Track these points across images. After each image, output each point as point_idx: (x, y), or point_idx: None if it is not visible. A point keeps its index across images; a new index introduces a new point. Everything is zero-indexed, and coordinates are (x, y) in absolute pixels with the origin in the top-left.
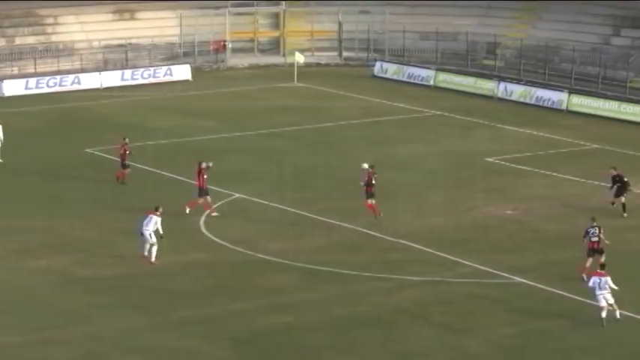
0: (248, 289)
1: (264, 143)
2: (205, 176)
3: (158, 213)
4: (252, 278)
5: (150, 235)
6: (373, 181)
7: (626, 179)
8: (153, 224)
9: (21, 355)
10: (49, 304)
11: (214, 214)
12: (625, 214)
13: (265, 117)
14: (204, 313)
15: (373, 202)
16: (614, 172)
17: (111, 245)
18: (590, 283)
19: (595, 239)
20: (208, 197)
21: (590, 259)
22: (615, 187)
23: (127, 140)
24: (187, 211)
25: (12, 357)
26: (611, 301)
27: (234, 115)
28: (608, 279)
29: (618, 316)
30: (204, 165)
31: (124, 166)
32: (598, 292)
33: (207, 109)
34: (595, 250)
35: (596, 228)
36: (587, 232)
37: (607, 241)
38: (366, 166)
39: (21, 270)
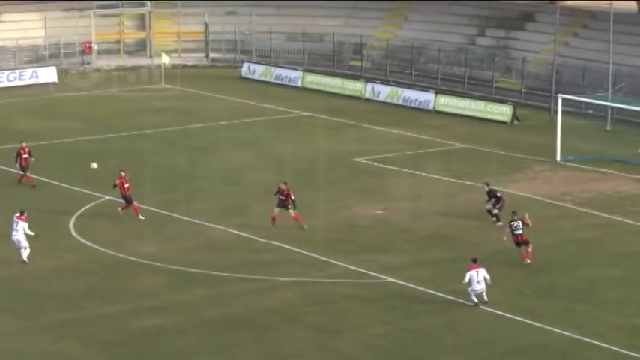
0: (119, 292)
1: (134, 145)
2: (127, 185)
3: (24, 217)
4: (123, 280)
5: (18, 239)
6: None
7: (499, 194)
8: (21, 228)
9: None
10: None
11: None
12: (500, 223)
13: (134, 118)
14: (76, 316)
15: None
16: (487, 188)
17: None
18: (466, 279)
19: (519, 232)
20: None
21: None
22: (492, 200)
23: (24, 144)
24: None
25: None
26: (482, 289)
27: (102, 117)
28: (483, 270)
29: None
30: (123, 174)
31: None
32: (472, 287)
33: (74, 111)
34: (520, 243)
35: (519, 222)
36: (510, 226)
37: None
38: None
39: None
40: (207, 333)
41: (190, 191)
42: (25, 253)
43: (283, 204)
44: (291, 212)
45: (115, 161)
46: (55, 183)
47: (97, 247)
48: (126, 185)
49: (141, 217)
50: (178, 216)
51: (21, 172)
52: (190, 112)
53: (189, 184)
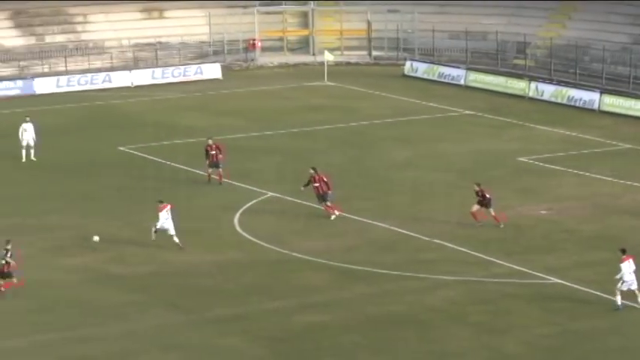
0: (283, 288)
1: (295, 142)
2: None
3: (167, 205)
4: (287, 277)
5: (167, 228)
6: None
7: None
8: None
9: (58, 353)
10: (84, 302)
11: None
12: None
13: (296, 116)
14: (240, 312)
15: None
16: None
17: (145, 243)
18: (620, 273)
19: None
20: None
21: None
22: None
23: (210, 141)
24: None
25: (49, 355)
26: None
27: (264, 114)
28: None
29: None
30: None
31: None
32: (624, 279)
33: (237, 107)
34: None
35: None
36: None
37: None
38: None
39: (56, 268)
40: (370, 330)
41: (353, 189)
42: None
43: (481, 203)
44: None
45: (277, 158)
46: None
47: (262, 243)
48: (320, 182)
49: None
50: (341, 213)
51: (209, 170)
52: (352, 110)
53: (351, 181)
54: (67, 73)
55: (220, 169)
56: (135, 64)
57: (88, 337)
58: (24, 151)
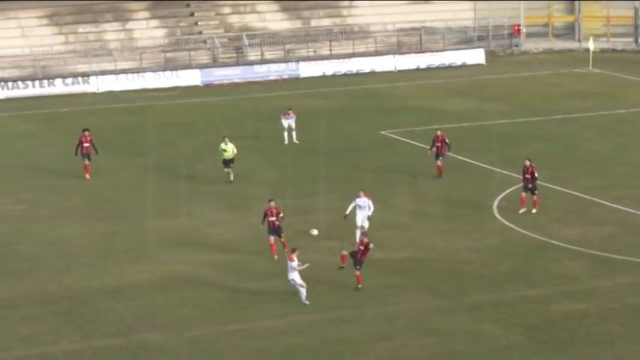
0: (541, 276)
1: (558, 129)
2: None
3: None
4: (545, 264)
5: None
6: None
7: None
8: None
9: (316, 334)
10: (342, 284)
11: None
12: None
13: (559, 102)
14: (497, 298)
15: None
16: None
17: (404, 227)
18: None
19: None
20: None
21: None
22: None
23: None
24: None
25: (308, 335)
26: None
27: (528, 100)
28: None
29: None
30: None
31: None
32: None
33: (500, 93)
34: None
35: None
36: None
37: None
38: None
39: (314, 250)
40: (629, 320)
41: (615, 177)
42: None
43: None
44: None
45: (539, 145)
46: (479, 164)
47: (520, 229)
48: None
49: None
50: (602, 201)
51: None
52: (618, 97)
53: (614, 169)
54: (331, 57)
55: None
56: (398, 48)
57: (346, 318)
58: (286, 134)
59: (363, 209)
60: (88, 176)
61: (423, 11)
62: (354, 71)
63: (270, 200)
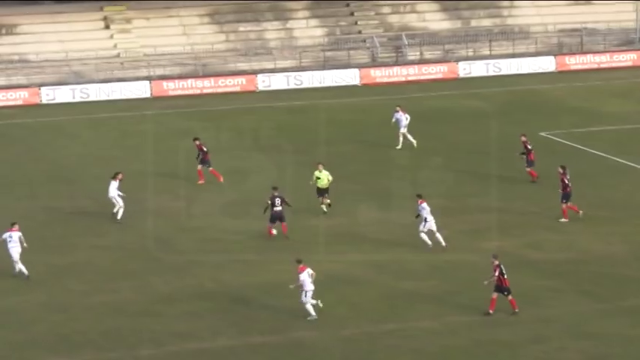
0: None
1: None
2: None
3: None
4: None
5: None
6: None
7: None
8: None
9: (470, 335)
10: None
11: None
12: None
13: None
14: None
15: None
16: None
17: (563, 231)
18: None
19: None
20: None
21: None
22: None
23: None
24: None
25: (462, 336)
26: None
27: None
28: None
29: None
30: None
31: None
32: None
33: None
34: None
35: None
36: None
37: None
38: None
39: (472, 251)
40: None
41: None
42: None
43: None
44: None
45: None
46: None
47: None
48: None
49: None
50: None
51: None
52: None
53: None
54: (490, 57)
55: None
56: (559, 49)
57: (501, 320)
58: (401, 138)
59: (428, 214)
60: (201, 182)
61: (585, 12)
62: (514, 72)
63: (275, 188)
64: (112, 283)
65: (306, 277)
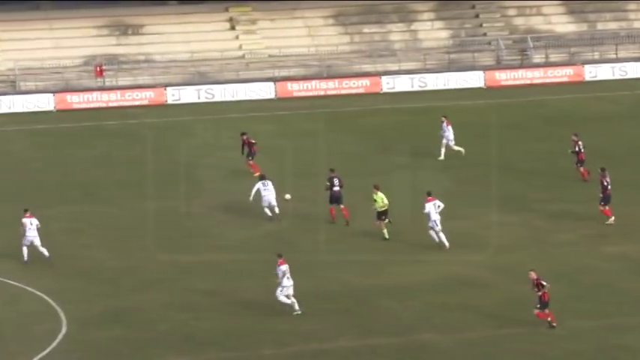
0: None
1: None
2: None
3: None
4: None
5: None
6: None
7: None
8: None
9: (594, 341)
10: (622, 291)
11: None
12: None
13: None
14: None
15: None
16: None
17: None
18: None
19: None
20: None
21: None
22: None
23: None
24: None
25: (586, 342)
26: None
27: None
28: None
29: None
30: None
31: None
32: None
33: None
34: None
35: None
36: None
37: None
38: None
39: (596, 256)
40: None
41: None
42: None
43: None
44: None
45: None
46: None
47: None
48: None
49: None
50: None
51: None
52: None
53: None
54: (617, 60)
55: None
56: None
57: (625, 326)
58: (443, 149)
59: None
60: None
61: None
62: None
63: (332, 170)
64: (236, 282)
65: (287, 271)
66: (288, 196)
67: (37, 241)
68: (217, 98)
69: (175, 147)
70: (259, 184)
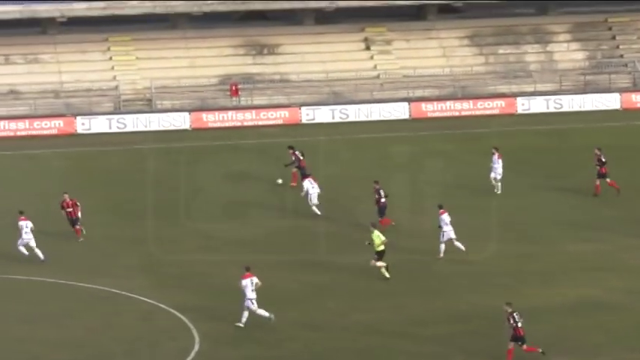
0: None
1: None
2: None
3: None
4: None
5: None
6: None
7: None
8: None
9: None
10: None
11: None
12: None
13: None
14: None
15: None
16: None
17: None
18: None
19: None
20: None
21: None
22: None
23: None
24: None
25: None
26: None
27: None
28: None
29: None
30: None
31: None
32: None
33: None
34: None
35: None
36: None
37: None
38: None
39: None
40: None
41: None
42: None
43: None
44: None
45: None
46: None
47: None
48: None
49: None
50: None
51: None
52: None
53: None
54: None
55: None
56: None
57: None
58: (496, 182)
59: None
60: None
61: None
62: None
63: (377, 182)
64: (367, 302)
65: (248, 284)
66: (279, 181)
67: (33, 243)
68: (352, 118)
69: (309, 166)
70: (307, 184)
